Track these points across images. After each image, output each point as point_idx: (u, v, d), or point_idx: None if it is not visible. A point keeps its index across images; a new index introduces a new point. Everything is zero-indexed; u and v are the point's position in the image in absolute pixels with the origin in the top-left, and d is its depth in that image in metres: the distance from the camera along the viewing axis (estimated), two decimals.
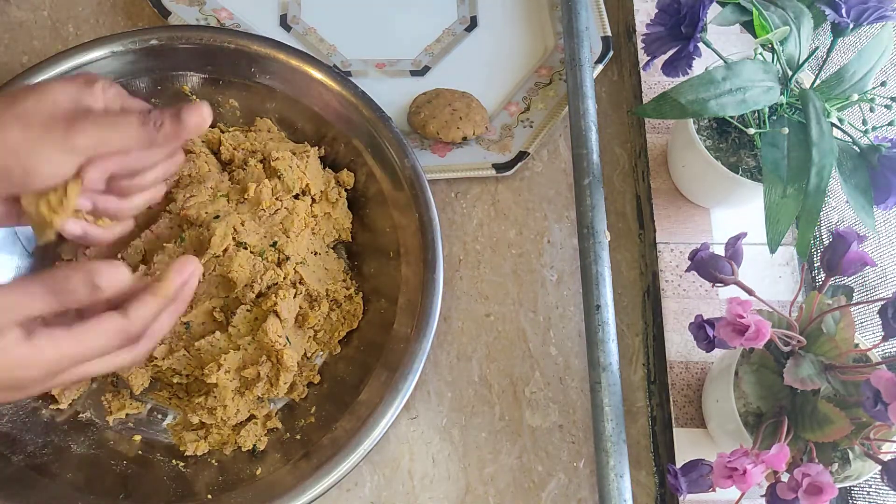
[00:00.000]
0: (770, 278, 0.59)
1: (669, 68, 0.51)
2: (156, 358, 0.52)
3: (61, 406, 0.52)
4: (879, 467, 0.42)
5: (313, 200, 0.57)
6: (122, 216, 0.43)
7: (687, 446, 0.53)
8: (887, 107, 0.49)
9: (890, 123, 0.50)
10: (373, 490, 0.54)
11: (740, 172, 0.54)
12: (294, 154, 0.57)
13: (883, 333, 0.43)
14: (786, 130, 0.49)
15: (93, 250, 0.54)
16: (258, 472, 0.51)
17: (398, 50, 0.68)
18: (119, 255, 0.54)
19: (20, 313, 0.34)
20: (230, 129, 0.60)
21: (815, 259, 0.60)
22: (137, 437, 0.53)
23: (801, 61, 0.50)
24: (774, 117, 0.52)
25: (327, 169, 0.59)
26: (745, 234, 0.47)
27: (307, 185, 0.56)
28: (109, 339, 0.36)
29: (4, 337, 0.33)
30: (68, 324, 0.35)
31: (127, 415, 0.53)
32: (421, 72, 0.67)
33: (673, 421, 0.54)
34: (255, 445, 0.52)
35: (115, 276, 0.35)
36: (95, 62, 0.56)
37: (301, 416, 0.54)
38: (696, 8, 0.48)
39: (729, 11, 0.51)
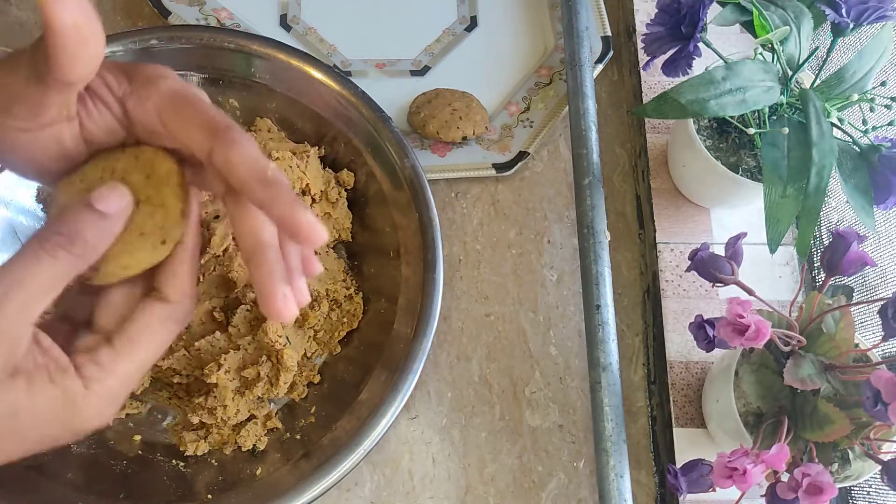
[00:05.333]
0: (770, 278, 0.59)
1: (669, 68, 0.51)
2: None
3: None
4: (879, 467, 0.42)
5: (313, 200, 0.57)
6: None
7: (687, 446, 0.53)
8: (887, 107, 0.49)
9: (890, 123, 0.50)
10: (373, 490, 0.54)
11: (740, 172, 0.54)
12: (294, 154, 0.57)
13: (883, 333, 0.43)
14: (786, 130, 0.49)
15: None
16: (258, 472, 0.51)
17: (398, 50, 0.68)
18: None
19: (32, 314, 0.28)
20: None
21: (815, 259, 0.60)
22: (137, 437, 0.53)
23: (801, 61, 0.50)
24: (774, 117, 0.52)
25: (327, 169, 0.59)
26: (745, 234, 0.47)
27: (307, 185, 0.56)
28: (161, 335, 0.31)
29: (56, 385, 0.28)
30: (103, 339, 0.30)
31: (127, 415, 0.53)
32: (421, 72, 0.67)
33: (673, 421, 0.54)
34: (255, 445, 0.52)
35: (117, 198, 0.30)
36: None
37: (301, 416, 0.54)
38: (696, 8, 0.48)
39: (729, 11, 0.51)
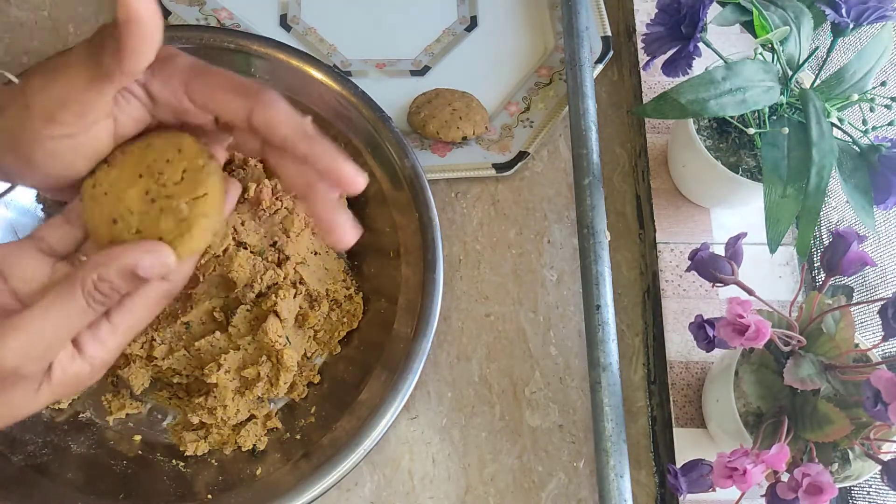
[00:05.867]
0: (770, 278, 0.59)
1: (669, 68, 0.51)
2: (156, 358, 0.52)
3: (61, 406, 0.52)
4: (879, 467, 0.42)
5: None
6: None
7: (687, 446, 0.53)
8: (887, 107, 0.49)
9: (890, 123, 0.50)
10: (373, 490, 0.54)
11: (740, 172, 0.54)
12: None
13: (883, 333, 0.43)
14: (786, 130, 0.49)
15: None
16: (258, 472, 0.51)
17: (398, 50, 0.68)
18: None
19: (62, 342, 0.30)
20: None
21: (815, 259, 0.60)
22: (137, 437, 0.53)
23: (801, 61, 0.50)
24: (774, 117, 0.52)
25: None
26: (745, 234, 0.47)
27: None
28: (154, 310, 0.33)
29: (57, 364, 0.31)
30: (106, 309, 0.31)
31: (127, 415, 0.53)
32: (421, 72, 0.67)
33: (673, 421, 0.54)
34: (255, 445, 0.52)
35: (160, 263, 0.31)
36: None
37: (301, 416, 0.54)
38: (696, 8, 0.48)
39: (729, 11, 0.51)
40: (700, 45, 0.49)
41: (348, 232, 0.33)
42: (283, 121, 0.31)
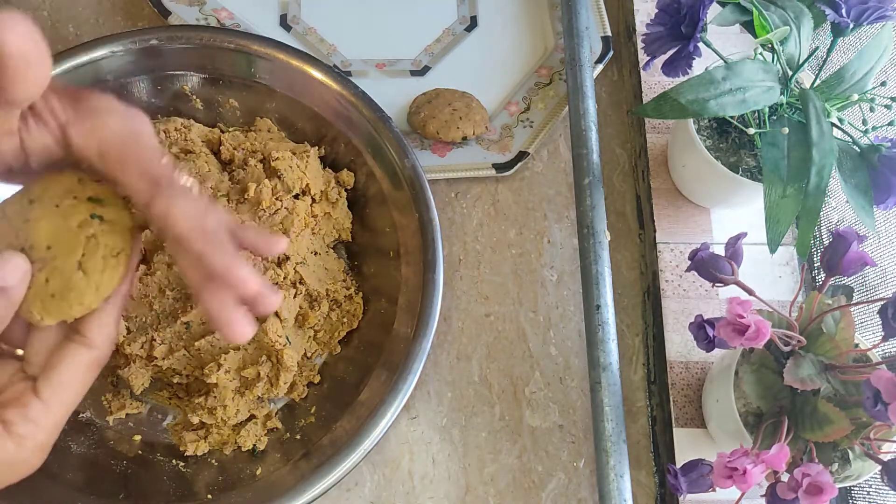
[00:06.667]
0: (770, 278, 0.59)
1: (669, 68, 0.51)
2: (156, 358, 0.52)
3: None
4: (879, 467, 0.42)
5: (313, 200, 0.57)
6: None
7: (687, 446, 0.53)
8: (887, 107, 0.49)
9: (890, 123, 0.50)
10: (373, 490, 0.54)
11: (740, 172, 0.54)
12: (294, 154, 0.57)
13: (883, 333, 0.43)
14: (786, 130, 0.49)
15: None
16: (258, 472, 0.51)
17: (398, 50, 0.68)
18: None
19: None
20: (230, 129, 0.60)
21: (815, 259, 0.60)
22: (137, 437, 0.53)
23: (801, 61, 0.50)
24: (774, 117, 0.52)
25: (327, 169, 0.59)
26: (745, 234, 0.47)
27: (307, 185, 0.56)
28: (86, 380, 0.32)
29: None
30: (27, 387, 0.30)
31: (127, 415, 0.53)
32: (421, 72, 0.67)
33: (673, 421, 0.54)
34: (255, 445, 0.52)
35: (12, 270, 0.29)
36: (95, 62, 0.56)
37: (301, 416, 0.54)
38: (696, 8, 0.48)
39: (729, 11, 0.51)
40: (700, 45, 0.49)
41: (245, 329, 0.32)
42: (181, 217, 0.30)
